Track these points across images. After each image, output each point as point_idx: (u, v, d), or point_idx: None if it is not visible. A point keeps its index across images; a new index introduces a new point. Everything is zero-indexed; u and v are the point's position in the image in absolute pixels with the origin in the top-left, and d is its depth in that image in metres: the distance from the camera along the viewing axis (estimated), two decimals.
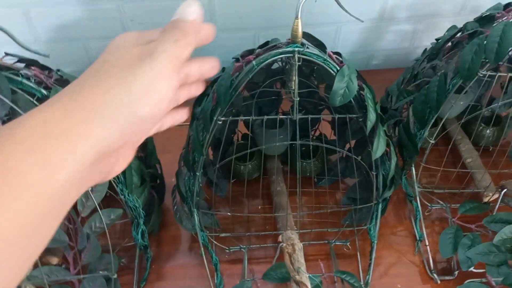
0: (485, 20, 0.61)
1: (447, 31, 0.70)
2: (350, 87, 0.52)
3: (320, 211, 0.71)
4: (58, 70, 0.55)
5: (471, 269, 0.65)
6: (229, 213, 0.67)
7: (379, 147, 0.56)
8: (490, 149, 0.81)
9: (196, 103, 0.60)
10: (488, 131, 0.79)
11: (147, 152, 0.69)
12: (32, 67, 0.54)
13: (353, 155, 0.64)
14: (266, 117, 0.55)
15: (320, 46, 0.55)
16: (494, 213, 0.69)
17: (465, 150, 0.77)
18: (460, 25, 0.73)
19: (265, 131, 0.62)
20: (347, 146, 0.75)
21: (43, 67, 0.57)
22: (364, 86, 0.55)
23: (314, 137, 0.78)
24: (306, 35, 0.53)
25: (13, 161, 0.23)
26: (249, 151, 0.55)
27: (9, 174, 0.22)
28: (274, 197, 0.73)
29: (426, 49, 0.74)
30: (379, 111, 0.57)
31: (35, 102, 0.50)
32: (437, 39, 0.70)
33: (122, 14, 0.85)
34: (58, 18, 0.84)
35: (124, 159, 0.32)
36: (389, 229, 0.75)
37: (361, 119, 0.56)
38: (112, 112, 0.27)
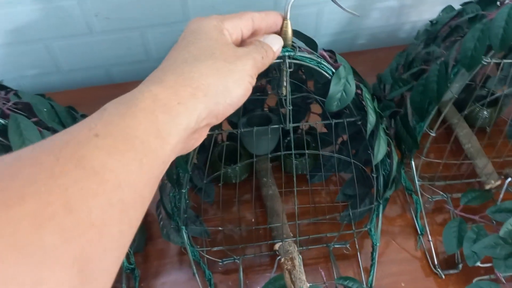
0: (487, 1, 0.55)
1: (442, 11, 0.65)
2: (347, 90, 0.47)
3: (318, 218, 0.66)
4: (16, 91, 0.48)
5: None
6: (220, 228, 0.62)
7: (380, 150, 0.52)
8: (487, 130, 0.78)
9: None
10: (485, 112, 0.75)
11: None
12: None
13: (351, 155, 0.60)
14: (256, 128, 0.49)
15: (311, 43, 0.49)
16: (498, 203, 0.66)
17: (463, 135, 0.73)
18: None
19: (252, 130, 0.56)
20: (340, 140, 0.71)
21: None
22: (361, 86, 0.49)
23: (304, 131, 0.73)
24: (294, 33, 0.47)
25: (135, 131, 0.27)
26: (249, 164, 0.50)
27: (135, 140, 0.27)
28: (267, 202, 0.68)
29: (419, 31, 0.68)
30: (377, 110, 0.52)
31: None
32: (431, 21, 0.65)
33: (85, 10, 0.77)
34: (12, 20, 0.75)
35: (201, 137, 0.37)
36: (388, 223, 0.71)
37: (359, 122, 0.51)
38: (212, 93, 0.32)
